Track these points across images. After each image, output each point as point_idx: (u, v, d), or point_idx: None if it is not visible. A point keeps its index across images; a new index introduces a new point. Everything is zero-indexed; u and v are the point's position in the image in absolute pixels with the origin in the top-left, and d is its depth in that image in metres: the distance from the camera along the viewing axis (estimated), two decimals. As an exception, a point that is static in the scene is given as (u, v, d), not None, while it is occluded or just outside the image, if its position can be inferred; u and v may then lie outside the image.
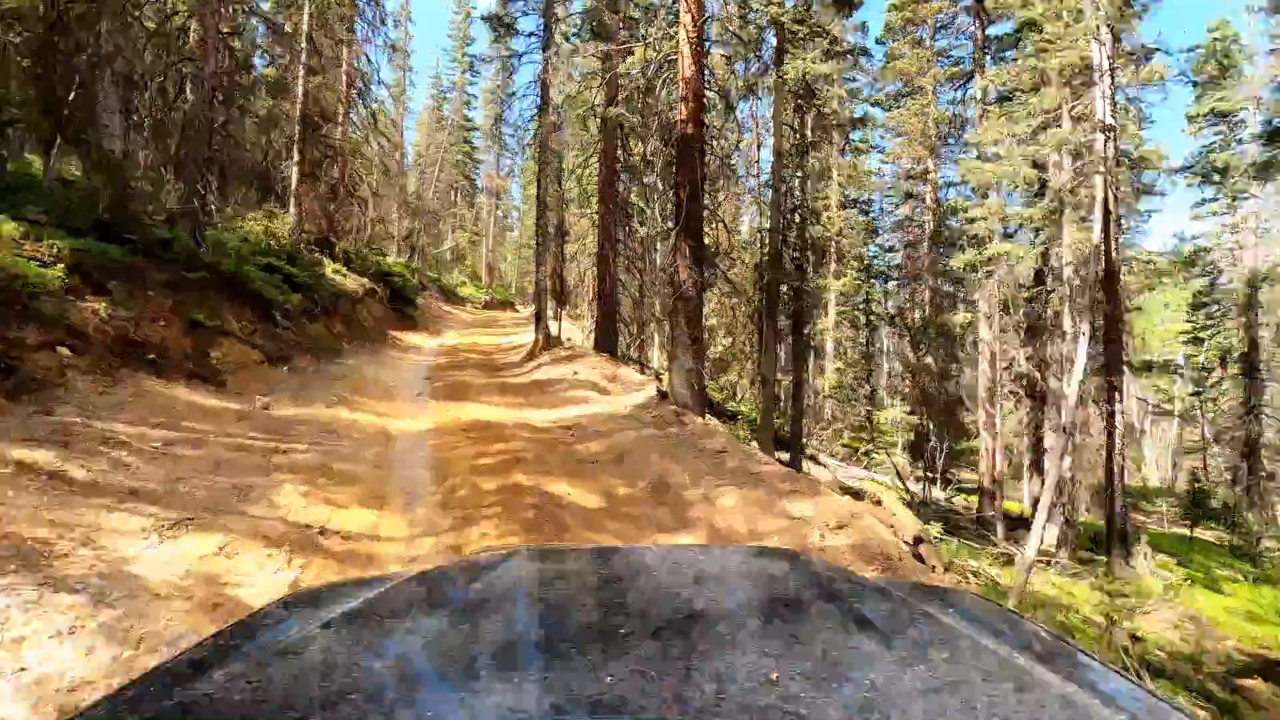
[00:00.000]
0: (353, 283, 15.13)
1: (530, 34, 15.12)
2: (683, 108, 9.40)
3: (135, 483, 4.17)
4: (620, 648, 0.76)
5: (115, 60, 9.61)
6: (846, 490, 7.12)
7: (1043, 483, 15.02)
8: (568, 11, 14.06)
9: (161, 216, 9.50)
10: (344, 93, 17.78)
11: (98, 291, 7.11)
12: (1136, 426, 28.20)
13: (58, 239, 6.95)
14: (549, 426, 7.86)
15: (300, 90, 14.25)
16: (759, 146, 17.41)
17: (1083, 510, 14.93)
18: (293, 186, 14.13)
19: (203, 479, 4.61)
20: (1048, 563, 10.58)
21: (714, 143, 11.54)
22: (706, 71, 10.08)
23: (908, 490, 13.98)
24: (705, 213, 10.33)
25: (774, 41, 11.73)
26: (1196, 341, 25.79)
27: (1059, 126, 10.05)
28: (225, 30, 10.65)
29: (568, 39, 13.94)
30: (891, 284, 27.34)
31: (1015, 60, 11.04)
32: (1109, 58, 8.40)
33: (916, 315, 23.54)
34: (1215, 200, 23.53)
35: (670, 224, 10.95)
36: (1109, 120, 8.45)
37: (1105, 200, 8.87)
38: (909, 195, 24.08)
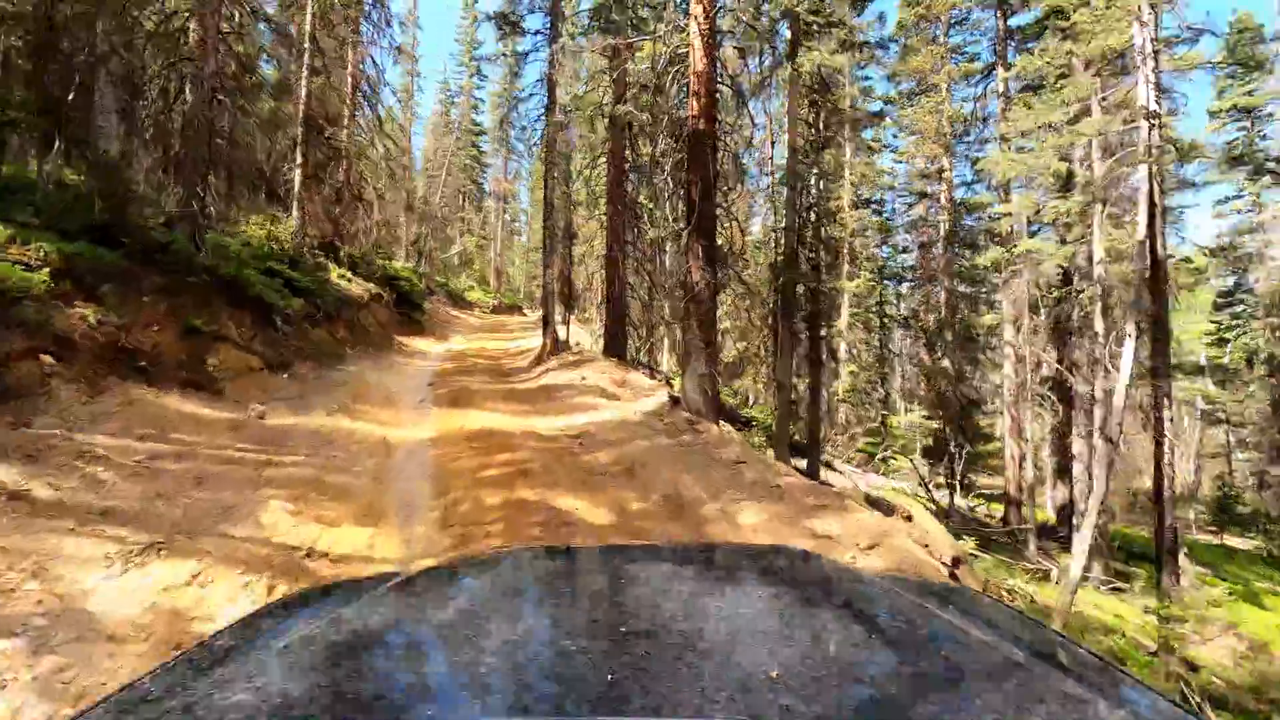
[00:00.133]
0: (357, 287, 14.86)
1: (536, 32, 14.89)
2: (694, 103, 9.04)
3: (107, 502, 3.84)
4: (621, 647, 0.75)
5: (112, 60, 9.41)
6: (872, 502, 6.70)
7: (1069, 490, 14.42)
8: (575, 8, 13.78)
9: (160, 219, 9.26)
10: (349, 95, 17.57)
11: (89, 297, 6.84)
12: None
13: (47, 242, 6.67)
14: (556, 435, 7.50)
15: (303, 91, 14.01)
16: (772, 144, 17.03)
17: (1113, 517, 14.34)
18: (296, 189, 13.88)
19: (184, 496, 4.29)
20: (1084, 577, 10.04)
21: (726, 139, 11.15)
22: (719, 65, 9.72)
23: (933, 499, 13.48)
24: (718, 211, 9.93)
25: (788, 34, 11.35)
26: (1221, 343, 25.09)
27: (1089, 117, 9.56)
28: (226, 30, 10.42)
29: (574, 38, 13.66)
30: (905, 285, 26.82)
31: (1041, 50, 10.59)
32: (1151, 40, 7.94)
33: (931, 317, 23.00)
34: (1240, 197, 22.87)
35: (680, 224, 10.57)
36: (1153, 106, 7.96)
37: (1151, 192, 8.37)
38: (923, 195, 23.64)
